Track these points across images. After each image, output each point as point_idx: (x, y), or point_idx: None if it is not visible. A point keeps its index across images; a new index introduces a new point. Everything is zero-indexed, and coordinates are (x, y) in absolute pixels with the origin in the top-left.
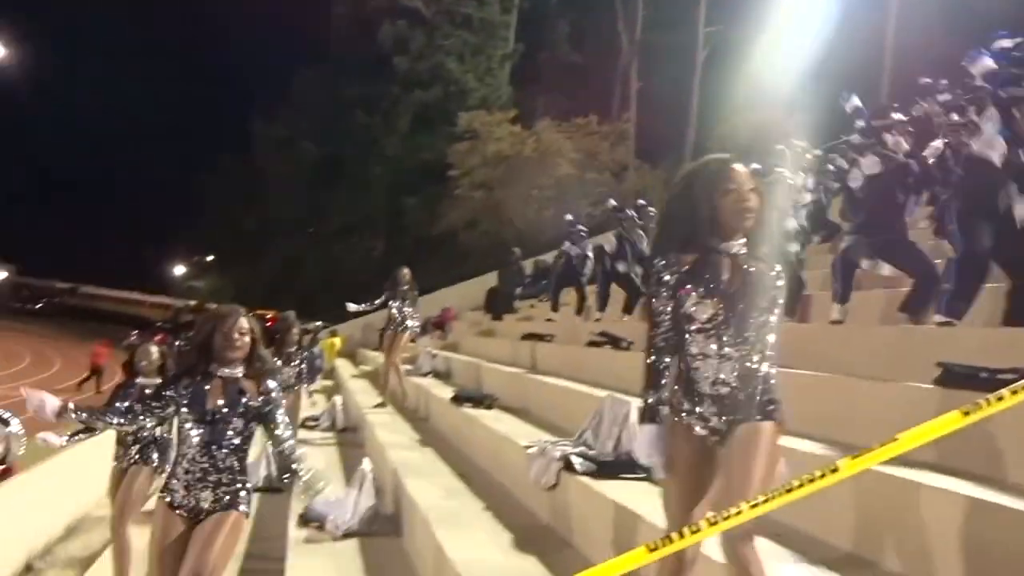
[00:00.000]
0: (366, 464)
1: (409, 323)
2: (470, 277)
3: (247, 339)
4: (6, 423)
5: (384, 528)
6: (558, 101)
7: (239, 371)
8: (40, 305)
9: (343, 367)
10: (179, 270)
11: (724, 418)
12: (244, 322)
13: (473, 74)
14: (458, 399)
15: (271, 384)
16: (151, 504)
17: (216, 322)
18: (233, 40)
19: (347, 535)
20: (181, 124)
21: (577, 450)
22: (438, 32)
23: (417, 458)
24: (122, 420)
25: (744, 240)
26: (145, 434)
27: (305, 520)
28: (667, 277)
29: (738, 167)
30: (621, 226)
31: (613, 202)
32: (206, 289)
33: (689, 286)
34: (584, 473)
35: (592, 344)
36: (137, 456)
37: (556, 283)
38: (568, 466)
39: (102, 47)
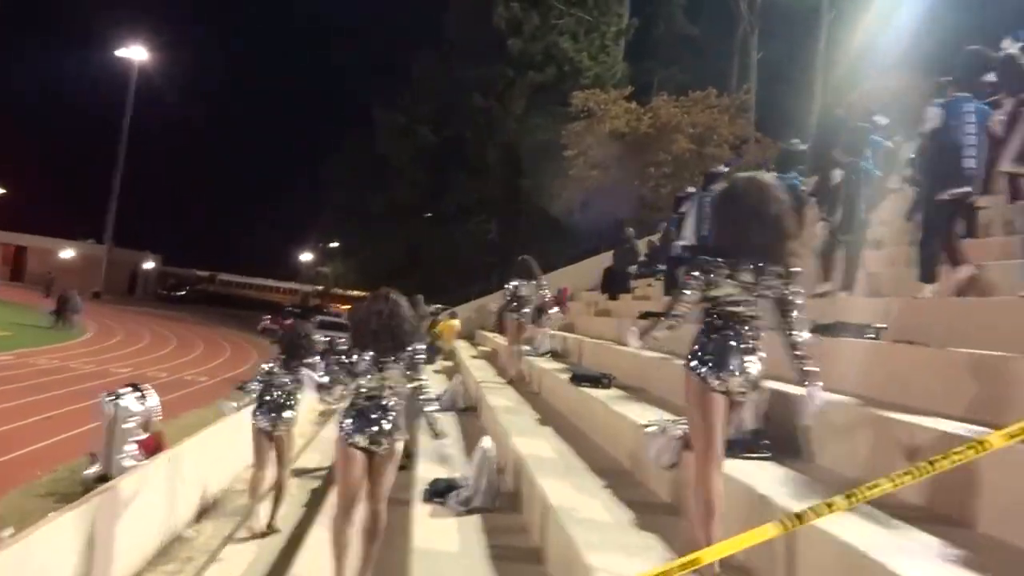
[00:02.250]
0: (486, 442)
1: (527, 309)
2: (587, 256)
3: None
4: (144, 398)
5: (505, 504)
6: (675, 75)
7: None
8: (183, 292)
9: (463, 348)
10: (306, 257)
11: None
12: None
13: (587, 52)
14: (576, 379)
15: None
16: None
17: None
18: (355, 27)
19: (469, 511)
20: (307, 114)
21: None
22: (552, 12)
23: (536, 437)
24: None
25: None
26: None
27: (429, 495)
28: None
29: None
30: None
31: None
32: (332, 274)
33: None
34: None
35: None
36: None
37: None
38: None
39: (234, 43)
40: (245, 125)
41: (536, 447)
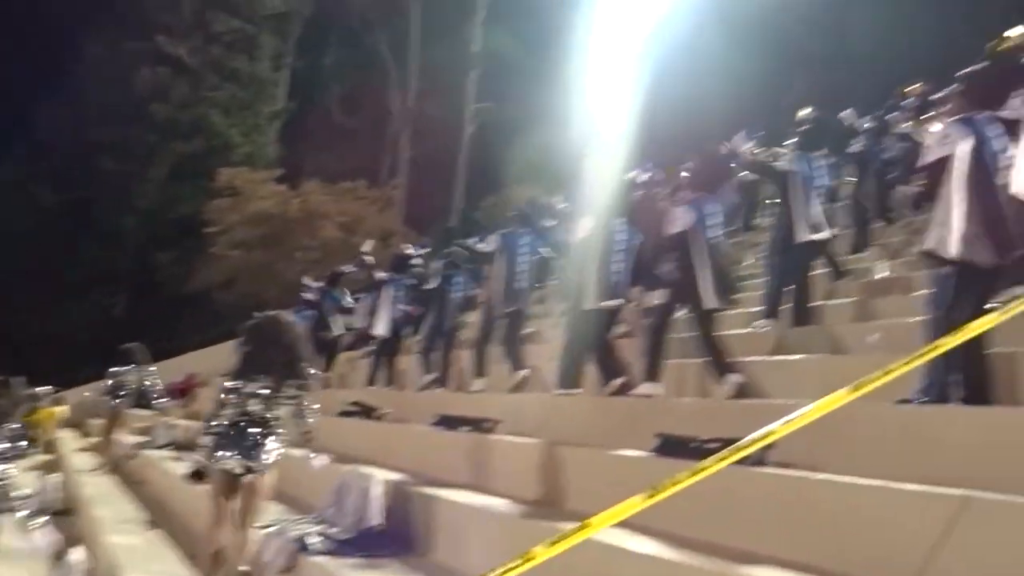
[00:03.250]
0: (76, 555)
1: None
2: (225, 339)
3: None
4: None
5: None
6: (327, 163)
7: None
8: None
9: (67, 439)
10: None
11: None
12: None
13: (239, 129)
14: (197, 475)
15: None
16: None
17: None
18: None
19: None
20: None
21: (315, 528)
22: (203, 83)
23: (142, 543)
24: None
25: None
26: None
27: None
28: None
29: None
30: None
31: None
32: None
33: None
34: (319, 553)
35: (344, 414)
36: None
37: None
38: (304, 546)
39: None
40: None
41: (144, 556)
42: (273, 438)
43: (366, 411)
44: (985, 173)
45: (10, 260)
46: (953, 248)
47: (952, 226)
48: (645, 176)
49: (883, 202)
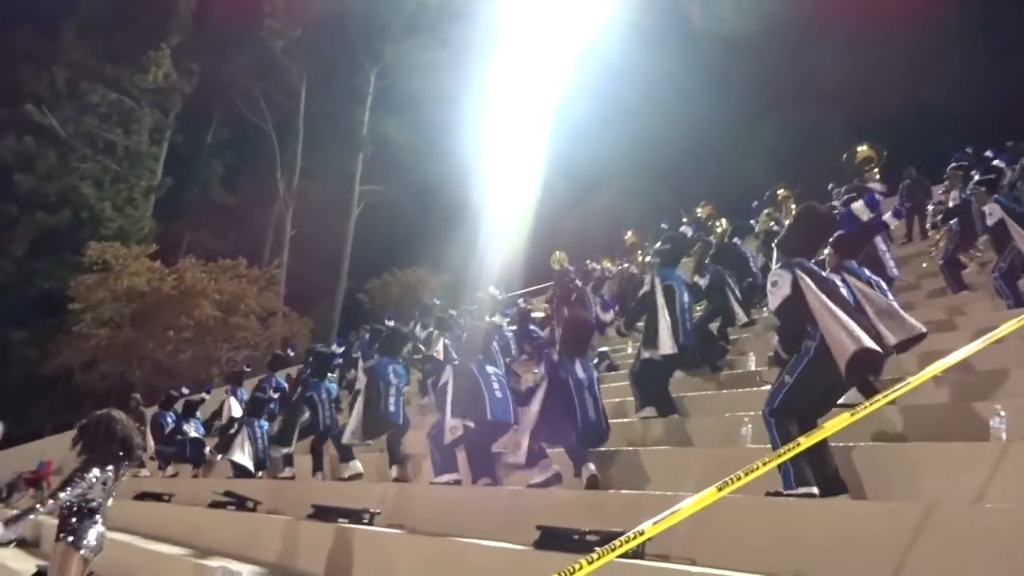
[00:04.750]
0: None
1: None
2: None
3: None
4: None
5: None
6: (206, 240)
7: None
8: None
9: None
10: None
11: None
12: None
13: (111, 203)
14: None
15: None
16: None
17: None
18: None
19: None
20: None
21: None
22: (74, 154)
23: None
24: None
25: None
26: None
27: None
28: None
29: None
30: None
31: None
32: None
33: None
34: None
35: (215, 505)
36: None
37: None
38: None
39: None
40: None
41: None
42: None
43: (239, 502)
44: None
45: None
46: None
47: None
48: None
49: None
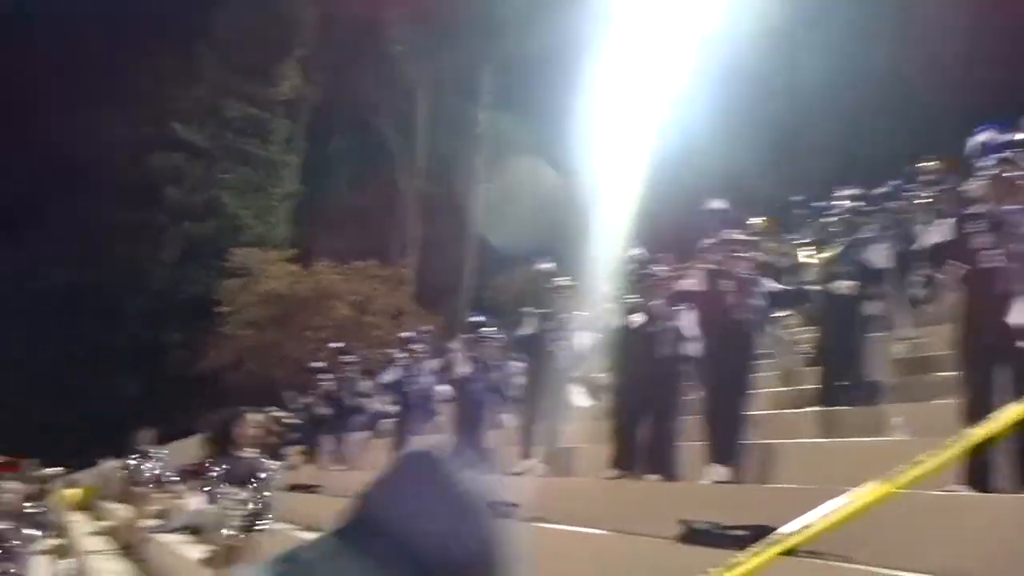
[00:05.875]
0: None
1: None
2: None
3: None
4: None
5: None
6: (338, 243)
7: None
8: None
9: (79, 522)
10: None
11: None
12: None
13: (251, 211)
14: (212, 559)
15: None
16: None
17: None
18: None
19: None
20: None
21: None
22: (216, 166)
23: None
24: None
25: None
26: None
27: None
28: None
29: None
30: None
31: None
32: None
33: None
34: None
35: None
36: None
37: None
38: None
39: None
40: None
41: None
42: None
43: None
44: None
45: (22, 343)
46: None
47: None
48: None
49: None
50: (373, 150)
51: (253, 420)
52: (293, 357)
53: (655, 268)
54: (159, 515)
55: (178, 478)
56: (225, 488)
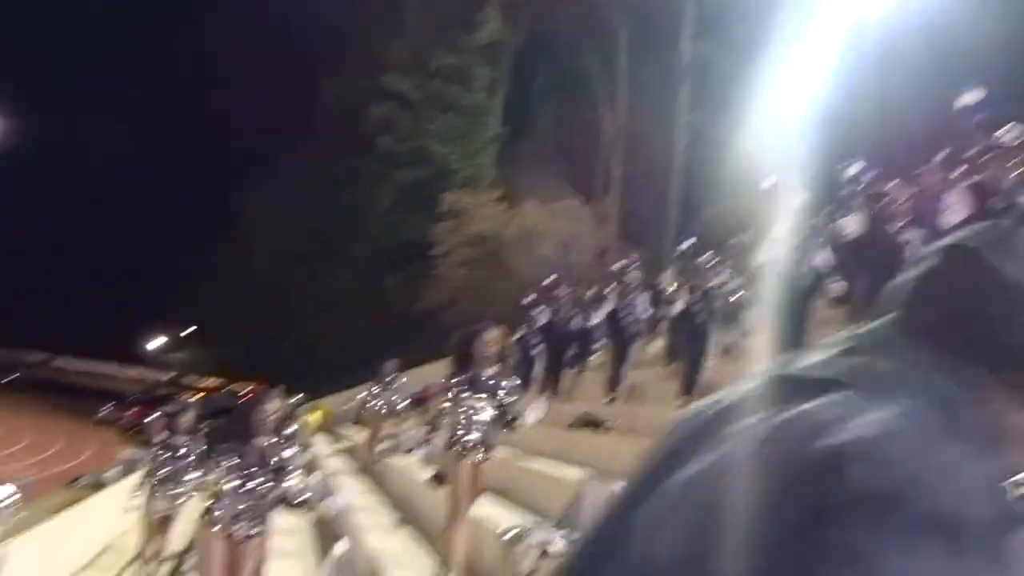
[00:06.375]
0: (341, 546)
1: (391, 405)
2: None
3: (275, 417)
4: None
5: None
6: (543, 183)
7: (266, 441)
8: (9, 379)
9: (321, 443)
10: (156, 343)
11: None
12: (270, 405)
13: (458, 155)
14: (439, 478)
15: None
16: None
17: (250, 404)
18: (217, 113)
19: None
20: (164, 195)
21: (556, 535)
22: (424, 115)
23: (395, 542)
24: None
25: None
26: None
27: None
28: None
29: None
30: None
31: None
32: (184, 362)
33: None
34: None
35: (576, 426)
36: None
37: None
38: (545, 553)
39: (80, 112)
40: (89, 196)
41: (395, 553)
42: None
43: (593, 423)
44: None
45: (265, 287)
46: None
47: None
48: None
49: None
50: (574, 88)
51: (492, 336)
52: (503, 296)
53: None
54: (391, 438)
55: (408, 404)
56: (469, 400)
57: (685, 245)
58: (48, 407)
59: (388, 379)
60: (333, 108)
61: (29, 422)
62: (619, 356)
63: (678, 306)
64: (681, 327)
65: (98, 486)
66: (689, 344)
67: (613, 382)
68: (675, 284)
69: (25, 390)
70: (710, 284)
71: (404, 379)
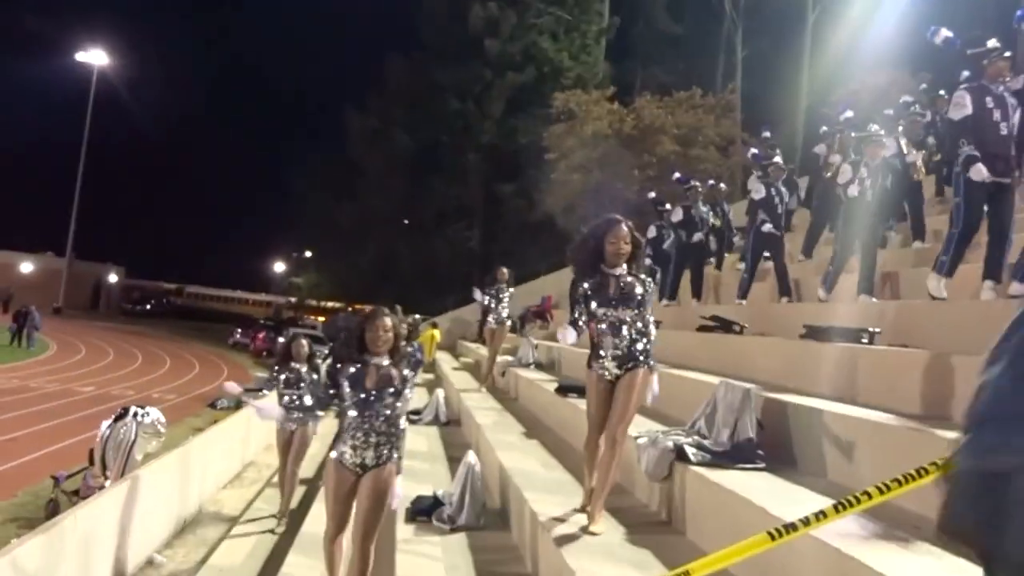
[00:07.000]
0: (471, 457)
1: (505, 316)
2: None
3: (389, 335)
4: (140, 418)
5: (491, 522)
6: (658, 75)
7: (385, 360)
8: (149, 306)
9: (444, 360)
10: (279, 268)
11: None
12: (387, 321)
13: (567, 52)
14: (563, 389)
15: (407, 372)
16: None
17: (365, 321)
18: (320, 30)
19: (454, 529)
20: (276, 121)
21: (691, 440)
22: (530, 11)
23: (521, 451)
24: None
25: (623, 267)
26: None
27: (412, 514)
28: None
29: (622, 226)
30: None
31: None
32: (305, 285)
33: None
34: (699, 464)
35: (703, 329)
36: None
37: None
38: (681, 456)
39: (199, 48)
40: (212, 133)
41: (522, 461)
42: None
43: (724, 325)
44: None
45: (377, 204)
46: None
47: None
48: None
49: None
50: None
51: (622, 233)
52: (624, 197)
53: None
54: (511, 352)
55: (525, 317)
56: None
57: (846, 114)
58: (186, 333)
59: (502, 286)
60: (436, 14)
61: (169, 348)
62: (778, 256)
63: (852, 189)
64: (857, 214)
65: (238, 406)
66: (865, 236)
67: (782, 287)
68: (841, 161)
69: (165, 317)
70: (878, 159)
71: (512, 290)
